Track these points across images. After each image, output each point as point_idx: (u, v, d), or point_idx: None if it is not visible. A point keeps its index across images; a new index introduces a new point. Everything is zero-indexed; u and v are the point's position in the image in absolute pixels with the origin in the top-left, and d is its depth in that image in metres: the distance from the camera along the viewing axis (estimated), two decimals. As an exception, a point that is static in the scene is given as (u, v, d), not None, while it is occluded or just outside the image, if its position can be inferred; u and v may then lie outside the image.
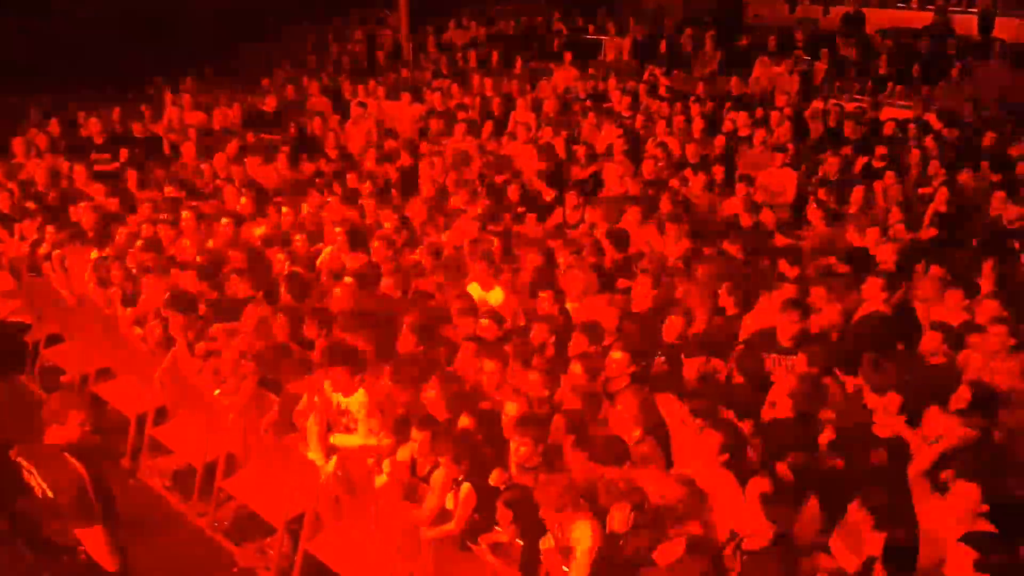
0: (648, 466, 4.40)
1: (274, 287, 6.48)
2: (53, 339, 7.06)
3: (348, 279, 6.37)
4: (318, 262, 7.09)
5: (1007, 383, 4.87)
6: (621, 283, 6.35)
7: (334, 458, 4.93)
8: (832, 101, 9.57)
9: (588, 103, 10.07)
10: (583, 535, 3.97)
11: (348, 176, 8.66)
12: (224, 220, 7.51)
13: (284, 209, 8.00)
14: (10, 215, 8.07)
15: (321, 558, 4.76)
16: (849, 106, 9.33)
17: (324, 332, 5.71)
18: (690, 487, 4.08)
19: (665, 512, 3.94)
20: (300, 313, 5.92)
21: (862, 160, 8.24)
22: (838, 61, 10.30)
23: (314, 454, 5.03)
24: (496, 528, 4.27)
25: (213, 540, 5.43)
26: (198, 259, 6.95)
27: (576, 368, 5.00)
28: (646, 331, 5.54)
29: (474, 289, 6.27)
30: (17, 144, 9.51)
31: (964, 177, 7.76)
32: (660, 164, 8.20)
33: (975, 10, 11.08)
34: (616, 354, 5.10)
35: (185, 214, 7.64)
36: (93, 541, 3.64)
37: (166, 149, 10.00)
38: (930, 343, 5.24)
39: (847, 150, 8.34)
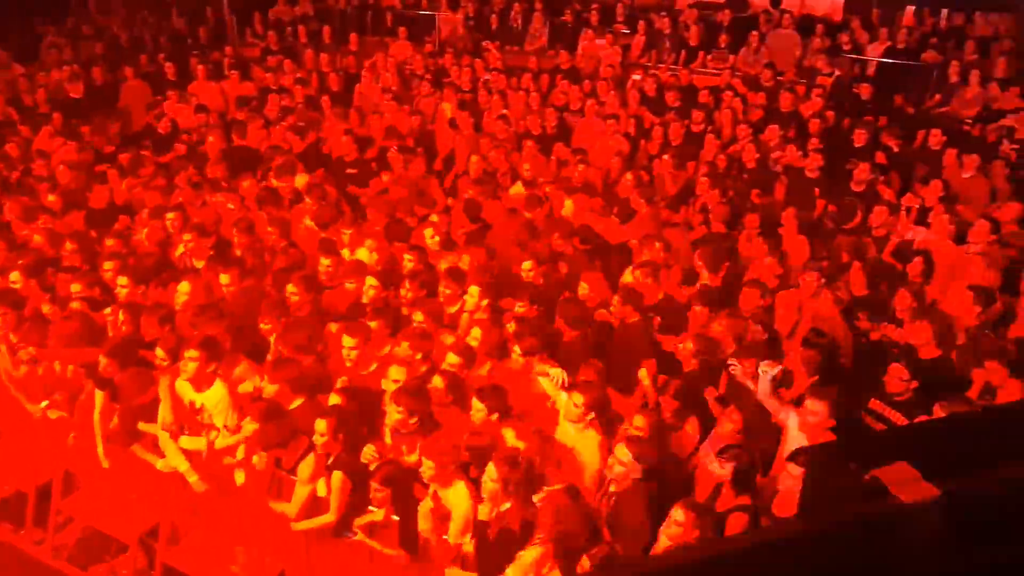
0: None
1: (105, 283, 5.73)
2: None
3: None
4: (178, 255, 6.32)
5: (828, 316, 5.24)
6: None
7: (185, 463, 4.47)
8: (650, 71, 9.87)
9: (429, 78, 9.73)
10: (459, 498, 3.86)
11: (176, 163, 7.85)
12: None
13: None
14: None
15: (182, 569, 4.33)
16: (665, 76, 9.67)
17: (167, 328, 5.14)
18: (543, 439, 4.11)
19: (531, 466, 3.91)
20: (141, 309, 5.29)
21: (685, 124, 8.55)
22: (653, 34, 10.61)
23: (170, 460, 4.50)
24: (370, 509, 4.01)
25: (54, 569, 4.77)
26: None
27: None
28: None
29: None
30: None
31: (766, 136, 8.25)
32: (502, 138, 8.07)
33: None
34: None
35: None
36: None
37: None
38: (749, 300, 5.37)
39: (670, 116, 8.62)
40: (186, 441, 4.57)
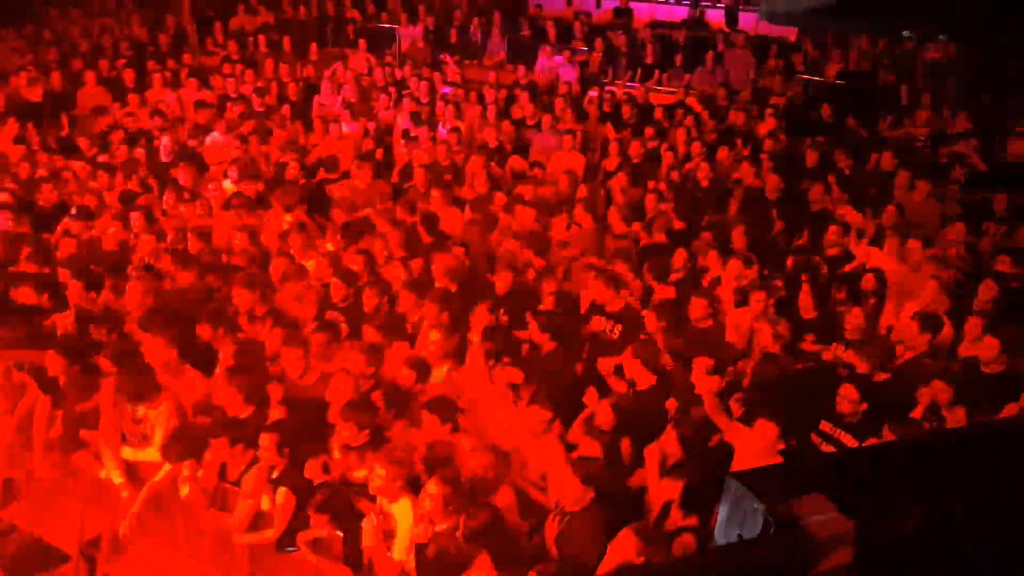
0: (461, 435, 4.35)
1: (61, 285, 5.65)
2: None
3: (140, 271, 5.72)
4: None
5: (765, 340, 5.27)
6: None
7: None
8: (608, 88, 10.04)
9: (391, 90, 9.79)
10: (403, 514, 3.86)
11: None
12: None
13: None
14: None
15: (125, 580, 4.26)
16: (621, 93, 9.83)
17: (114, 333, 5.06)
18: (497, 454, 4.10)
19: (476, 482, 3.93)
20: (89, 313, 5.21)
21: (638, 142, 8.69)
22: (611, 51, 10.80)
23: (109, 471, 4.44)
24: (315, 523, 3.97)
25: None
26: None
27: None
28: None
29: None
30: None
31: (721, 154, 8.43)
32: (454, 149, 8.14)
33: (722, 5, 12.11)
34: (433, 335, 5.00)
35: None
36: None
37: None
38: (696, 310, 5.44)
39: (626, 133, 8.76)
40: (128, 452, 4.52)
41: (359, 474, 4.12)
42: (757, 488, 1.24)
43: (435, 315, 5.21)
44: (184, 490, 4.32)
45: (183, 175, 7.50)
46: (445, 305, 5.29)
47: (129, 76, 10.01)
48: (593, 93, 10.03)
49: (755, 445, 4.14)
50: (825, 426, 4.60)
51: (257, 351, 5.03)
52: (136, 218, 6.43)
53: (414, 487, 3.95)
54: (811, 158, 8.16)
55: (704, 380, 4.54)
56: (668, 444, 4.23)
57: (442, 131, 8.64)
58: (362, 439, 4.15)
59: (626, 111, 9.17)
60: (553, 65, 10.63)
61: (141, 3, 12.79)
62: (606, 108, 9.40)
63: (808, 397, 4.97)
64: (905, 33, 10.83)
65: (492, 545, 3.50)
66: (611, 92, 9.77)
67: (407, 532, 3.83)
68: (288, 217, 6.66)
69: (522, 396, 4.56)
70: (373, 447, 4.14)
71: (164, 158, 8.07)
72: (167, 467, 4.38)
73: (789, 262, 6.43)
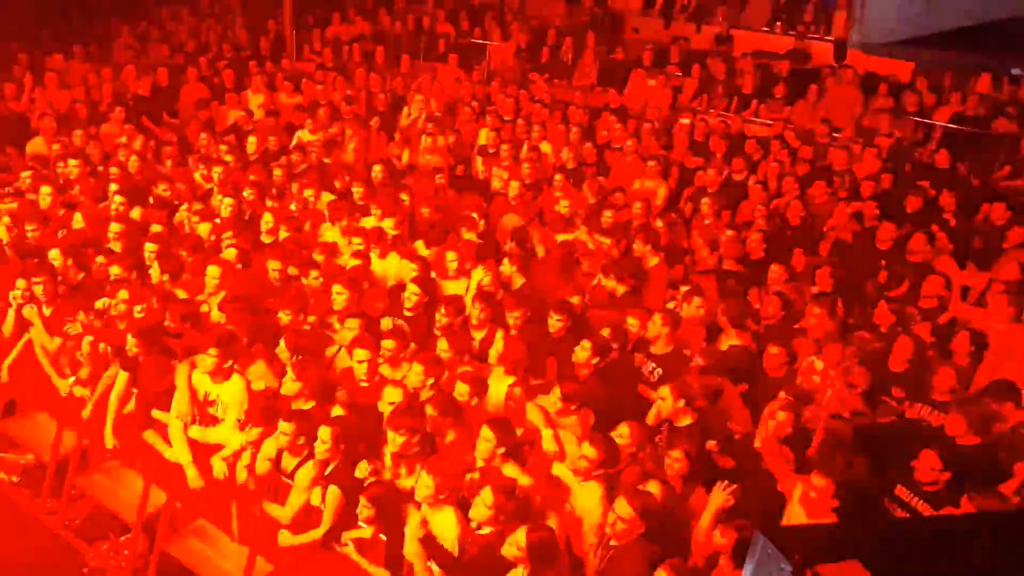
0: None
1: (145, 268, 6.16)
2: None
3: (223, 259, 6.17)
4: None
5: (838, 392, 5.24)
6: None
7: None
8: (699, 116, 10.09)
9: (476, 106, 10.17)
10: (447, 524, 4.02)
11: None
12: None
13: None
14: None
15: (178, 557, 4.64)
16: (714, 122, 9.92)
17: (190, 318, 5.53)
18: (553, 483, 4.25)
19: (527, 504, 4.09)
20: (172, 296, 5.71)
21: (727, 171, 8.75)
22: (707, 78, 10.93)
23: (175, 450, 4.86)
24: (360, 524, 4.25)
25: (63, 539, 5.17)
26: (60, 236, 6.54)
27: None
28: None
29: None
30: None
31: (815, 191, 8.38)
32: (535, 167, 8.43)
33: (831, 39, 12.06)
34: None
35: (44, 189, 7.16)
36: None
37: (32, 128, 9.35)
38: (772, 359, 5.45)
39: (713, 163, 8.85)
40: (196, 432, 4.91)
41: (406, 483, 4.33)
42: (791, 548, 1.20)
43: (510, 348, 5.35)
44: (242, 476, 4.71)
45: (274, 173, 8.04)
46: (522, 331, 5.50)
47: (229, 76, 10.83)
48: (684, 120, 10.15)
49: (809, 500, 4.13)
50: (901, 491, 4.52)
51: (327, 347, 5.41)
52: (226, 206, 6.95)
53: (460, 500, 4.14)
54: (914, 204, 7.98)
55: (767, 426, 4.59)
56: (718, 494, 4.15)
57: (524, 150, 8.95)
58: (412, 448, 4.33)
59: (715, 141, 9.25)
60: (645, 89, 10.83)
61: (245, 8, 13.78)
62: (696, 137, 9.52)
63: (885, 455, 4.87)
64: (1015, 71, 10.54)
65: (537, 563, 3.65)
66: (703, 120, 9.87)
67: (449, 543, 4.01)
68: (382, 222, 6.97)
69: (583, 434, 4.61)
70: (422, 457, 4.34)
71: (254, 155, 8.67)
72: (230, 450, 4.76)
73: (881, 310, 6.30)
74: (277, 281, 6.08)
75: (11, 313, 5.80)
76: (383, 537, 4.20)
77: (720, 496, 4.03)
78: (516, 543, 3.71)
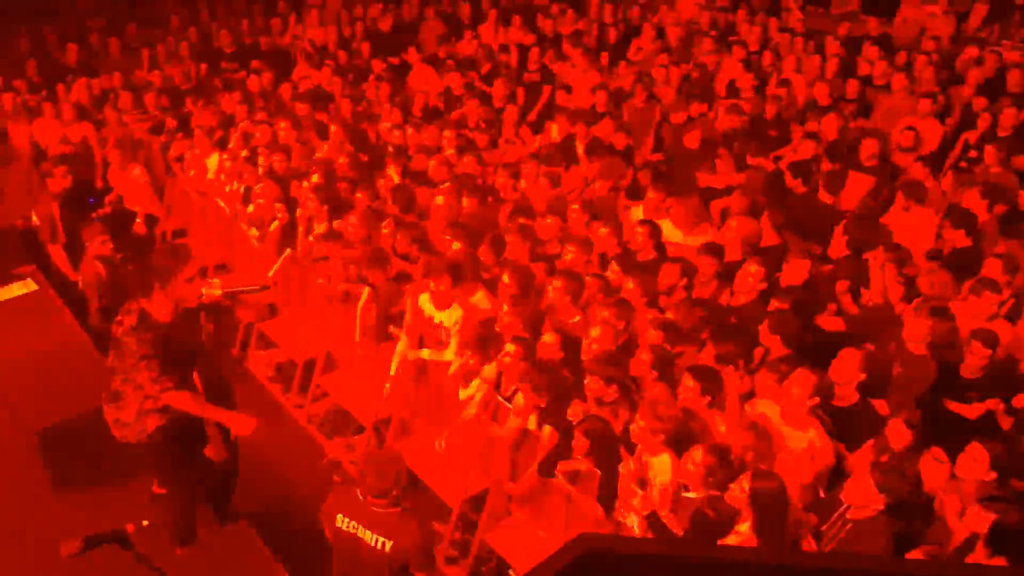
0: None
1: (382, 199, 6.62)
2: (179, 233, 7.61)
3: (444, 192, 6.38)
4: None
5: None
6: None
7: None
8: (988, 48, 8.64)
9: (714, 34, 9.50)
10: (663, 468, 3.92)
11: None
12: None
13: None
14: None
15: (408, 460, 4.93)
16: (1011, 55, 8.39)
17: (418, 245, 5.82)
18: (757, 432, 3.97)
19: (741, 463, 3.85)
20: (405, 224, 6.04)
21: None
22: (1001, 2, 9.24)
23: (403, 365, 5.16)
24: (576, 456, 4.23)
25: (306, 431, 5.74)
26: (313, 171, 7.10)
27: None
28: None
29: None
30: (159, 48, 10.15)
31: None
32: (783, 103, 7.70)
33: None
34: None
35: (282, 124, 7.82)
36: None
37: (294, 61, 10.26)
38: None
39: (1005, 103, 7.50)
40: (425, 353, 5.20)
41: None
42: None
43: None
44: (465, 394, 4.89)
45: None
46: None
47: (465, 11, 10.99)
48: (971, 53, 8.74)
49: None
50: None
51: (534, 285, 5.37)
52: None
53: (675, 445, 3.99)
54: None
55: None
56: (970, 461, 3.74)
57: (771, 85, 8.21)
58: (612, 395, 4.27)
59: (1015, 77, 7.76)
60: (920, 16, 9.44)
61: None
62: (987, 73, 8.15)
63: None
64: None
65: (765, 514, 3.43)
66: (996, 53, 8.39)
67: (664, 486, 3.89)
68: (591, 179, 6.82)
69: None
70: (627, 401, 4.25)
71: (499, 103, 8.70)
72: (454, 368, 4.99)
73: None
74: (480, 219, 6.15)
75: (274, 225, 6.49)
76: (597, 471, 4.15)
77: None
78: (740, 487, 3.52)
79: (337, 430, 5.66)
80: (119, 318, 3.73)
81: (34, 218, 6.61)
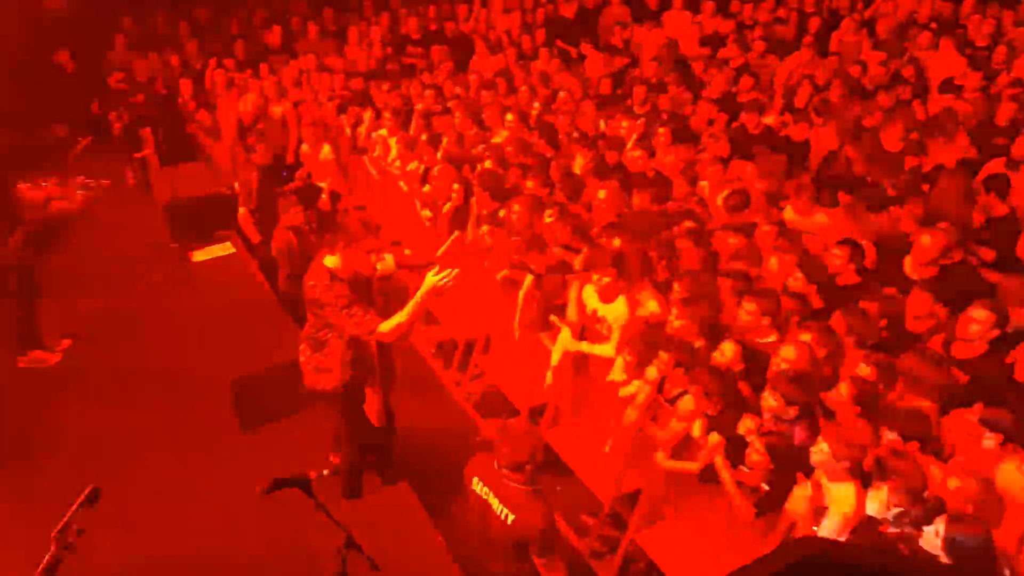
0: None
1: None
2: (359, 209, 8.06)
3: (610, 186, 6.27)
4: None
5: None
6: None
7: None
8: None
9: (933, 26, 8.59)
10: (845, 499, 3.64)
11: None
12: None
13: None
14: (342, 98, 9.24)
15: (556, 449, 4.92)
16: None
17: (579, 236, 5.73)
18: (986, 487, 3.53)
19: (945, 507, 3.52)
20: (567, 212, 6.00)
21: None
22: None
23: (561, 358, 5.14)
24: (742, 468, 4.02)
25: (463, 409, 5.90)
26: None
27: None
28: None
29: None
30: (352, 32, 10.76)
31: None
32: (1015, 106, 6.89)
33: None
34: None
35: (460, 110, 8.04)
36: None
37: (476, 48, 10.53)
38: None
39: None
40: (585, 346, 5.12)
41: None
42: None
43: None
44: (625, 392, 4.82)
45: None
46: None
47: None
48: None
49: None
50: None
51: (711, 291, 5.19)
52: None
53: (862, 476, 3.69)
54: None
55: None
56: None
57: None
58: (791, 414, 4.02)
59: None
60: None
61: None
62: None
63: None
64: None
65: (963, 564, 3.14)
66: None
67: (843, 515, 3.60)
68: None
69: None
70: (806, 425, 3.99)
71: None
72: (617, 368, 4.89)
73: None
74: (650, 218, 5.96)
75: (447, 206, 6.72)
76: (765, 487, 3.98)
77: None
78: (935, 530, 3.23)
79: (492, 411, 5.79)
80: (311, 282, 4.02)
81: (236, 186, 7.25)
